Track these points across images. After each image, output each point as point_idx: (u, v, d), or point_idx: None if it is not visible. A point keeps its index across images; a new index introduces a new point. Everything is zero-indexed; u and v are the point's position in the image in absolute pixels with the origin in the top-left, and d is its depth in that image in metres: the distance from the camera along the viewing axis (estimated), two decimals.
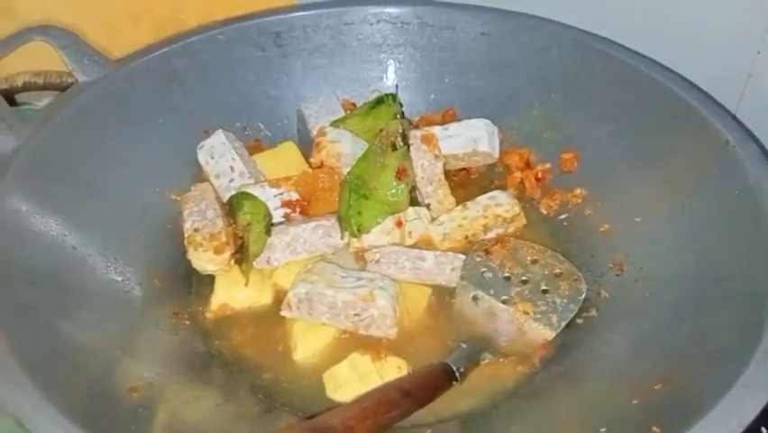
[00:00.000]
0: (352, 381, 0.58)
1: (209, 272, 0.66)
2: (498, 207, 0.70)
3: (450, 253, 0.67)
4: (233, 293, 0.66)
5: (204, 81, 0.76)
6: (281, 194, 0.69)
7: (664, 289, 0.60)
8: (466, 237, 0.69)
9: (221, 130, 0.72)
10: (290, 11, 0.79)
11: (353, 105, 0.81)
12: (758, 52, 0.73)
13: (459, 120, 0.78)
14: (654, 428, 0.47)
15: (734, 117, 0.65)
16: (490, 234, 0.70)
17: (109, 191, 0.66)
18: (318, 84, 0.80)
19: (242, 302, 0.66)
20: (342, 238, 0.67)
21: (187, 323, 0.64)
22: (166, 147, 0.72)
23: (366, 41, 0.80)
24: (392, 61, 0.81)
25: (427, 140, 0.72)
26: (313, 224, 0.67)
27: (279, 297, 0.65)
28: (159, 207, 0.70)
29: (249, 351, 0.63)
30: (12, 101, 0.87)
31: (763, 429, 0.59)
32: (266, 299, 0.66)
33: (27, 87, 0.92)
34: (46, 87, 0.91)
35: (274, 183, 0.70)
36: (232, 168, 0.71)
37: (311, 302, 0.61)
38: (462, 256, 0.66)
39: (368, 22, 0.79)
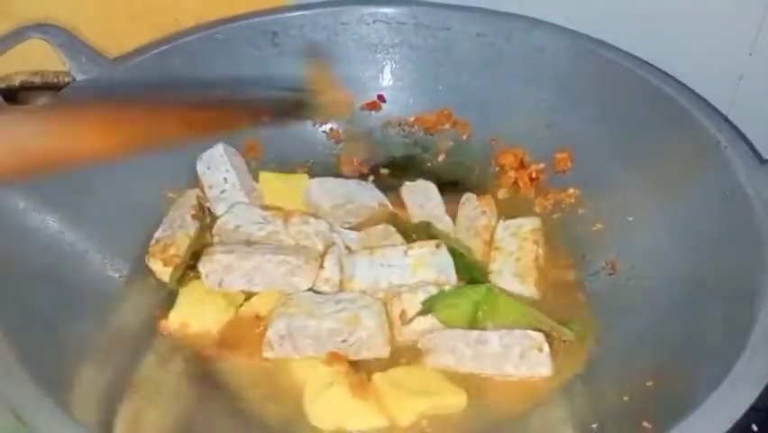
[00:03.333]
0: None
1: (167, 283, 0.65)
2: (522, 227, 0.69)
3: (518, 332, 0.58)
4: (196, 312, 0.62)
5: (201, 80, 0.76)
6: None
7: (656, 287, 0.61)
8: (536, 260, 0.67)
9: (221, 143, 0.73)
10: (286, 10, 0.80)
11: None
12: (750, 54, 0.73)
13: (454, 120, 0.80)
14: (645, 424, 0.48)
15: (725, 119, 0.66)
16: (540, 250, 0.68)
17: (106, 189, 0.66)
18: None
19: (204, 323, 0.62)
20: (310, 282, 0.63)
21: (177, 325, 0.64)
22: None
23: (362, 41, 0.80)
24: (388, 61, 0.81)
25: (485, 202, 0.73)
26: (280, 258, 0.63)
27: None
28: (155, 205, 0.70)
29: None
30: (11, 100, 0.87)
31: (754, 426, 0.59)
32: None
33: (24, 87, 0.91)
34: (43, 86, 0.91)
35: (266, 209, 0.69)
36: (225, 179, 0.71)
37: (293, 337, 0.59)
38: (533, 333, 0.58)
39: (364, 22, 0.80)
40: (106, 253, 0.64)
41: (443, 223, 0.71)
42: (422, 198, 0.74)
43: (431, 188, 0.75)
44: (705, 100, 0.66)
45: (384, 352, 0.60)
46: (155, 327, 0.62)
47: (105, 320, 0.59)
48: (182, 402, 0.57)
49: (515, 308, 0.61)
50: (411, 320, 0.61)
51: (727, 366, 0.47)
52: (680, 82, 0.68)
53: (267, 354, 0.60)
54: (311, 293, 0.62)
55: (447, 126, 0.81)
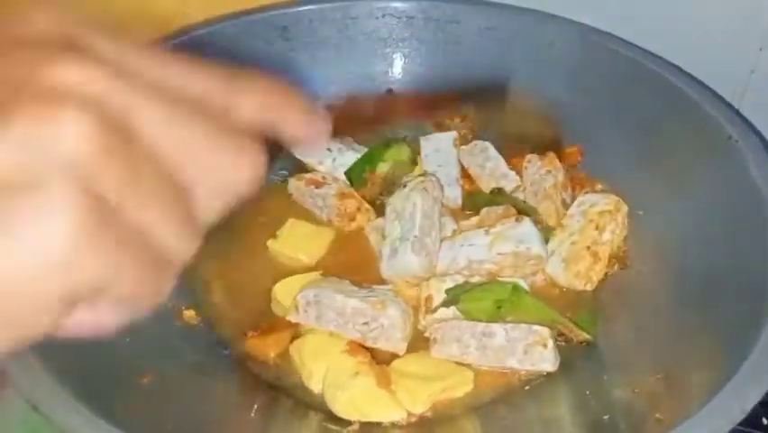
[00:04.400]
0: None
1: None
2: (594, 206, 0.65)
3: (524, 326, 0.57)
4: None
5: None
6: None
7: (666, 281, 0.61)
8: (588, 248, 0.63)
9: None
10: (296, 5, 0.80)
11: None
12: (760, 49, 0.73)
13: (463, 114, 0.80)
14: (658, 416, 0.48)
15: (737, 112, 0.66)
16: (607, 235, 0.64)
17: None
18: (325, 78, 0.80)
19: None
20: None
21: (193, 312, 0.64)
22: None
23: (372, 35, 0.80)
24: (398, 55, 0.81)
25: (548, 161, 0.70)
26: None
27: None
28: None
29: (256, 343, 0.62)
30: None
31: (764, 420, 0.59)
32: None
33: None
34: None
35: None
36: (329, 149, 0.74)
37: (320, 306, 0.59)
38: (539, 328, 0.57)
39: (373, 16, 0.80)
40: None
41: (508, 179, 0.71)
42: (480, 158, 0.73)
43: (487, 147, 0.73)
44: (716, 93, 0.66)
45: (400, 348, 0.59)
46: (172, 318, 0.63)
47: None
48: (197, 394, 0.57)
49: (536, 308, 0.60)
50: (435, 310, 0.61)
51: (739, 359, 0.47)
52: (691, 75, 0.68)
53: (291, 317, 0.61)
54: (346, 281, 0.63)
55: (456, 121, 0.81)
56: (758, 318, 0.49)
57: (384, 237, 0.65)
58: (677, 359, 0.54)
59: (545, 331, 0.57)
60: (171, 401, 0.54)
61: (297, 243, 0.69)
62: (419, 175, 0.68)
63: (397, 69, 0.82)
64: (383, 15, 0.80)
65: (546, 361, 0.57)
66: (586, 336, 0.60)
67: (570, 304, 0.63)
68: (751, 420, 0.46)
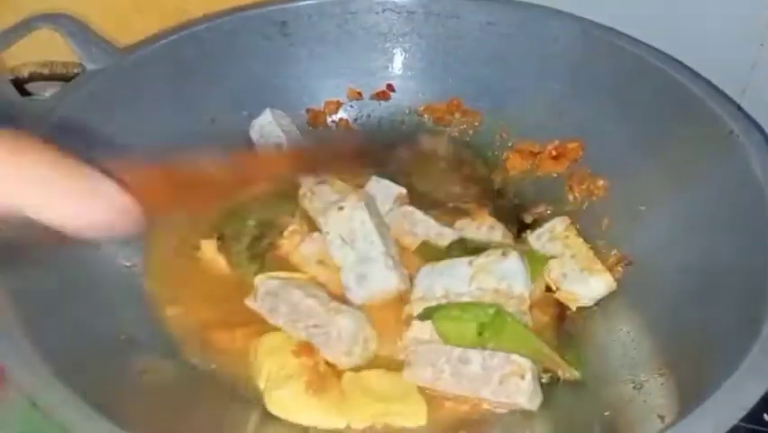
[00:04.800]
0: None
1: None
2: (555, 229, 0.65)
3: (502, 354, 0.53)
4: None
5: (210, 70, 0.76)
6: None
7: (668, 277, 0.61)
8: (591, 249, 0.64)
9: (268, 109, 0.75)
10: (296, 0, 0.80)
11: (359, 93, 0.82)
12: (761, 45, 0.73)
13: (464, 110, 0.80)
14: (658, 412, 0.48)
15: (738, 107, 0.66)
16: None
17: None
18: (324, 73, 0.80)
19: None
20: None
21: None
22: (173, 134, 0.72)
23: (372, 30, 0.80)
24: (398, 50, 0.81)
25: (481, 216, 0.68)
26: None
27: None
28: None
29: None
30: (22, 91, 0.88)
31: (765, 416, 0.59)
32: None
33: (32, 78, 0.92)
34: (51, 77, 0.91)
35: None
36: (278, 145, 0.74)
37: (276, 299, 0.58)
38: (518, 358, 0.53)
39: (373, 11, 0.79)
40: (119, 242, 0.64)
41: (444, 237, 0.65)
42: (408, 223, 0.67)
43: (413, 211, 0.67)
44: (718, 89, 0.66)
45: (341, 362, 0.57)
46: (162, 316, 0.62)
47: (118, 309, 0.59)
48: (196, 394, 0.57)
49: (521, 336, 0.55)
50: (409, 321, 0.58)
51: (740, 356, 0.46)
52: (693, 71, 0.67)
53: (249, 302, 0.61)
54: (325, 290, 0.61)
55: (457, 116, 0.81)
56: (759, 315, 0.49)
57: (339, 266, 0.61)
58: (678, 355, 0.54)
59: (526, 363, 0.53)
60: (171, 400, 0.54)
61: None
62: (350, 194, 0.64)
63: (398, 64, 0.82)
64: (383, 10, 0.79)
65: (522, 394, 0.52)
66: (574, 373, 0.56)
67: (559, 333, 0.61)
68: (752, 416, 0.45)
